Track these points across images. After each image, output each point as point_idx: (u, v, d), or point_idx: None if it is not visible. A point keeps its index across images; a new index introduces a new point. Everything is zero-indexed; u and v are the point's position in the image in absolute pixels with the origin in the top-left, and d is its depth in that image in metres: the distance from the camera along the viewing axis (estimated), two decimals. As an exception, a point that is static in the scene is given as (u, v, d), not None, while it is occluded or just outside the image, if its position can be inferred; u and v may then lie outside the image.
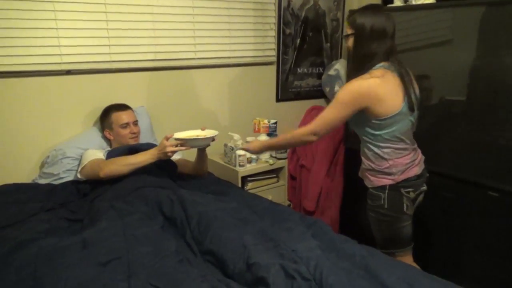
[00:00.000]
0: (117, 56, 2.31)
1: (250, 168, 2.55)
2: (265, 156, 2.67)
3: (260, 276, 1.31)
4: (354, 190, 2.79)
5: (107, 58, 2.28)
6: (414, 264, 1.87)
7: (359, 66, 1.73)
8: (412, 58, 2.24)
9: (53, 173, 2.11)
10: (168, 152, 1.94)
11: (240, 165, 2.51)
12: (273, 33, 2.93)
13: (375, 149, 1.77)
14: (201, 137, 2.02)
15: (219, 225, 1.61)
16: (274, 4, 2.87)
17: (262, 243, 1.51)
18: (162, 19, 2.42)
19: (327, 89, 3.10)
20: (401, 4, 2.38)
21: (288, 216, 1.82)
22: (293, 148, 3.13)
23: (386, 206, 1.78)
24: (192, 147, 2.01)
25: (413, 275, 1.38)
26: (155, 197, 1.84)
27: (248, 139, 2.63)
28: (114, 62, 2.31)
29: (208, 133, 2.07)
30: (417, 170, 1.80)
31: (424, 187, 1.86)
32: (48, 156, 2.16)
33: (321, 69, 3.23)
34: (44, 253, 1.44)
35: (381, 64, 1.72)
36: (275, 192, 2.70)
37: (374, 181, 1.82)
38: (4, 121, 2.08)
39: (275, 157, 2.70)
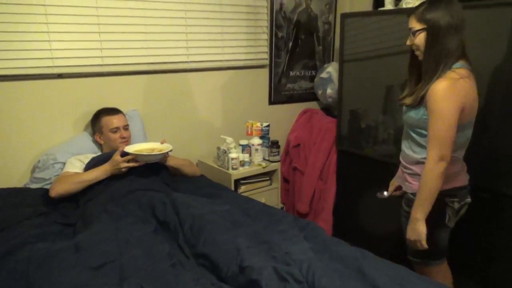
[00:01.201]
0: (109, 60, 2.30)
1: (243, 171, 2.55)
2: (258, 159, 2.67)
3: (253, 279, 1.31)
4: (347, 192, 2.80)
5: (99, 61, 2.27)
6: (450, 275, 1.82)
7: (437, 64, 1.56)
8: (404, 61, 2.25)
9: (45, 178, 2.10)
10: (122, 167, 1.96)
11: (233, 168, 2.51)
12: (266, 36, 2.93)
13: None
14: (154, 153, 2.03)
15: (212, 228, 1.61)
16: (266, 7, 2.88)
17: (255, 245, 1.52)
18: (154, 22, 2.42)
19: (319, 92, 3.12)
20: (392, 8, 2.40)
21: (281, 219, 1.83)
22: (286, 151, 3.14)
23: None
24: (145, 161, 2.03)
25: (405, 276, 1.39)
26: (148, 201, 1.84)
27: (241, 142, 2.64)
28: (106, 66, 2.30)
29: (165, 147, 2.11)
30: (465, 180, 1.71)
31: (469, 199, 1.72)
32: (39, 161, 2.14)
33: (313, 72, 3.24)
34: (36, 257, 1.44)
35: (461, 63, 1.59)
36: (268, 195, 2.71)
37: (416, 186, 1.68)
38: (-5, 125, 2.07)
39: (268, 160, 2.71)
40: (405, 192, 1.78)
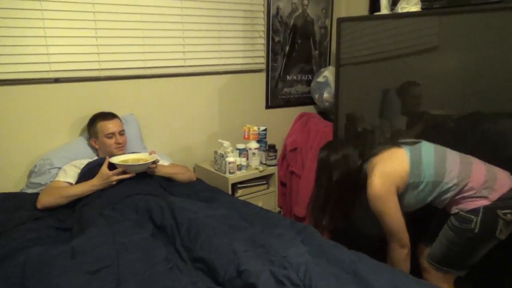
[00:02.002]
0: (106, 64, 2.30)
1: (240, 175, 2.55)
2: (255, 163, 2.68)
3: (250, 282, 1.31)
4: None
5: (96, 66, 2.27)
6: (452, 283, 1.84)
7: (356, 186, 1.84)
8: (400, 65, 2.27)
9: (41, 183, 2.09)
10: (113, 180, 1.97)
11: (230, 172, 2.51)
12: (262, 40, 2.95)
13: (449, 193, 1.68)
14: (140, 163, 2.04)
15: (209, 232, 1.60)
16: (263, 12, 2.89)
17: (252, 249, 1.51)
18: (152, 26, 2.42)
19: (316, 96, 3.13)
20: (388, 12, 2.41)
21: (278, 222, 1.83)
22: (283, 155, 3.15)
23: (476, 231, 1.62)
24: (132, 171, 2.03)
25: (401, 279, 1.39)
26: (145, 205, 1.84)
27: (238, 146, 2.65)
28: (103, 70, 2.30)
29: (150, 158, 2.11)
30: (509, 182, 1.65)
31: None
32: (35, 166, 2.14)
33: (310, 76, 3.26)
34: (33, 262, 1.43)
35: (368, 161, 1.82)
36: (265, 198, 2.71)
37: (463, 206, 1.67)
38: (-8, 129, 2.06)
39: (265, 164, 2.71)
40: (454, 213, 1.72)
